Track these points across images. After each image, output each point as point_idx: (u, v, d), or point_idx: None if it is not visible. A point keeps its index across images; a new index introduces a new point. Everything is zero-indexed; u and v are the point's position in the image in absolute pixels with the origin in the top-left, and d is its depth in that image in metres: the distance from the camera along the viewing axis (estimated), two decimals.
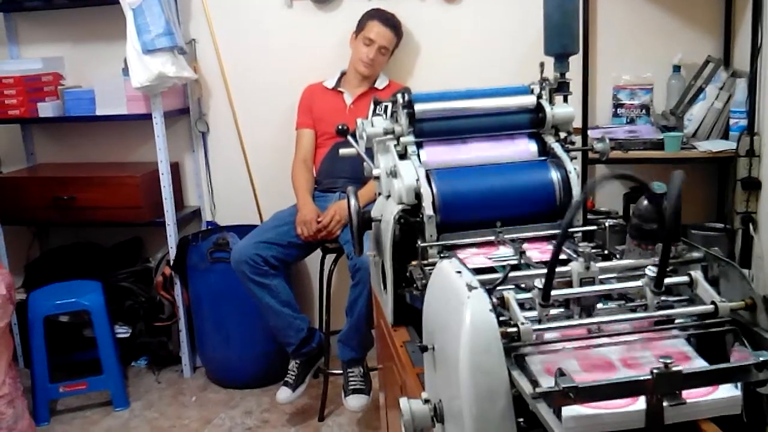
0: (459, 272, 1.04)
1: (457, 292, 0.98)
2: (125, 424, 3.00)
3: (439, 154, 1.60)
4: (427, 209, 1.44)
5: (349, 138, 1.75)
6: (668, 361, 0.90)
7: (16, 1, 3.36)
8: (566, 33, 1.63)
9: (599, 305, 1.13)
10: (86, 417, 3.07)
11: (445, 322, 1.01)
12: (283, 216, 2.93)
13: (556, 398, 0.89)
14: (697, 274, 1.10)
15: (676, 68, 2.93)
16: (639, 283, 1.10)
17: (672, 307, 1.09)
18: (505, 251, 1.42)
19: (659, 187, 1.12)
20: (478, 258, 1.39)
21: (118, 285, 3.34)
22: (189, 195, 3.58)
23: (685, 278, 1.10)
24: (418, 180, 1.47)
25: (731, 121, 2.74)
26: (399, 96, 1.61)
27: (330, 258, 2.98)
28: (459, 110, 1.62)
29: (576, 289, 1.11)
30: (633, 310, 1.11)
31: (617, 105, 2.97)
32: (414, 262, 1.44)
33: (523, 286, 1.19)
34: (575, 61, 1.73)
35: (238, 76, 3.38)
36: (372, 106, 1.74)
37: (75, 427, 2.99)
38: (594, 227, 1.47)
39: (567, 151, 1.58)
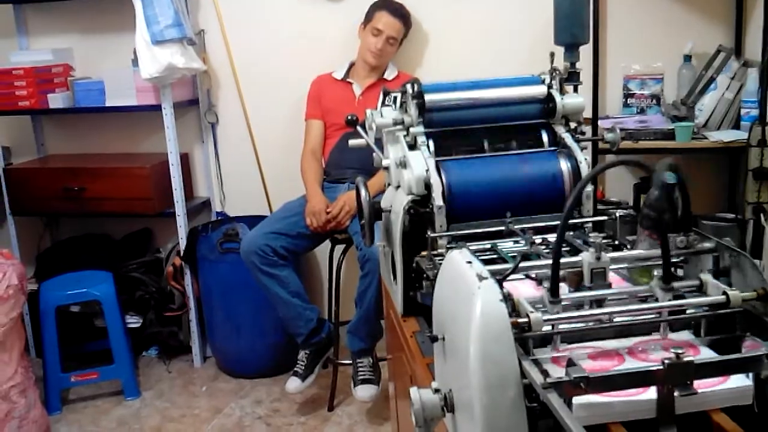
0: (469, 262, 1.04)
1: (468, 283, 0.98)
2: (136, 413, 3.02)
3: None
4: (437, 200, 1.44)
5: (359, 129, 1.75)
6: (679, 351, 0.90)
7: None
8: (576, 23, 1.62)
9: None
10: (97, 406, 3.09)
11: (456, 312, 1.01)
12: (293, 207, 2.94)
13: (566, 388, 0.89)
14: (707, 277, 1.09)
15: (687, 58, 2.91)
16: (647, 286, 1.10)
17: (683, 297, 1.09)
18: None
19: (670, 177, 1.12)
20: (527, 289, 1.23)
21: (129, 275, 3.36)
22: (199, 186, 3.60)
23: (695, 282, 1.10)
24: (427, 170, 1.47)
25: (742, 111, 2.72)
26: (408, 86, 1.60)
27: (339, 249, 2.99)
28: (469, 100, 1.62)
29: (584, 293, 1.10)
30: (644, 300, 1.11)
31: (628, 95, 2.96)
32: (424, 253, 1.44)
33: (533, 276, 1.19)
34: (585, 51, 1.72)
35: (248, 66, 3.38)
36: (381, 97, 1.74)
37: (86, 416, 3.02)
38: (604, 217, 1.46)
39: (577, 141, 1.57)
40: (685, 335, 1.09)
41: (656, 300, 1.07)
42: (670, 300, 1.06)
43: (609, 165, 1.12)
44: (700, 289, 1.09)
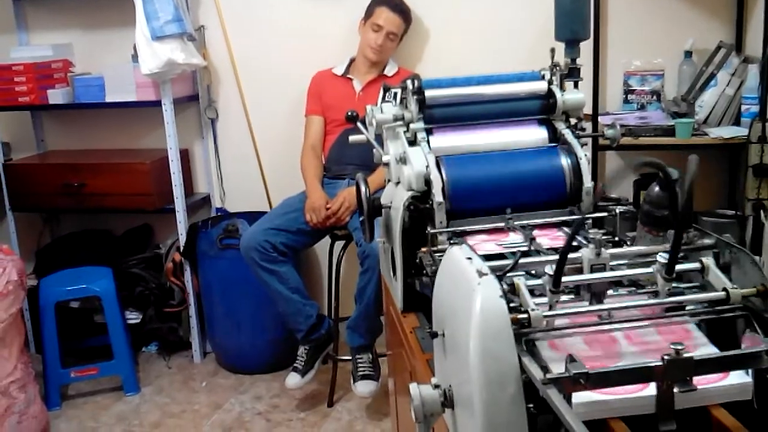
0: (469, 258, 1.04)
1: (468, 278, 0.98)
2: (136, 409, 3.02)
3: (449, 141, 1.60)
4: (437, 196, 1.44)
5: (359, 125, 1.75)
6: (679, 347, 0.90)
7: None
8: (577, 18, 1.62)
9: (610, 291, 1.13)
10: (97, 402, 3.09)
11: (456, 308, 1.01)
12: (292, 203, 2.93)
13: (566, 384, 0.89)
14: (709, 260, 1.09)
15: (688, 54, 2.91)
16: (650, 269, 1.10)
17: (683, 294, 1.09)
18: (516, 238, 1.41)
19: (672, 173, 1.12)
20: (488, 244, 1.39)
21: (129, 271, 3.36)
22: (198, 181, 3.59)
23: (696, 265, 1.10)
24: (427, 167, 1.47)
25: (743, 108, 2.72)
26: (409, 82, 1.60)
27: (339, 245, 2.99)
28: (469, 96, 1.62)
29: (586, 275, 1.10)
30: (643, 286, 1.11)
31: (628, 91, 2.96)
32: (424, 249, 1.44)
33: (533, 272, 1.19)
34: (586, 47, 1.72)
35: (248, 62, 3.38)
36: (381, 93, 1.73)
37: (86, 411, 3.02)
38: (604, 214, 1.46)
39: (577, 137, 1.57)
40: (684, 330, 1.09)
41: (656, 287, 1.07)
42: (670, 289, 1.06)
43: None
44: (702, 273, 1.09)
